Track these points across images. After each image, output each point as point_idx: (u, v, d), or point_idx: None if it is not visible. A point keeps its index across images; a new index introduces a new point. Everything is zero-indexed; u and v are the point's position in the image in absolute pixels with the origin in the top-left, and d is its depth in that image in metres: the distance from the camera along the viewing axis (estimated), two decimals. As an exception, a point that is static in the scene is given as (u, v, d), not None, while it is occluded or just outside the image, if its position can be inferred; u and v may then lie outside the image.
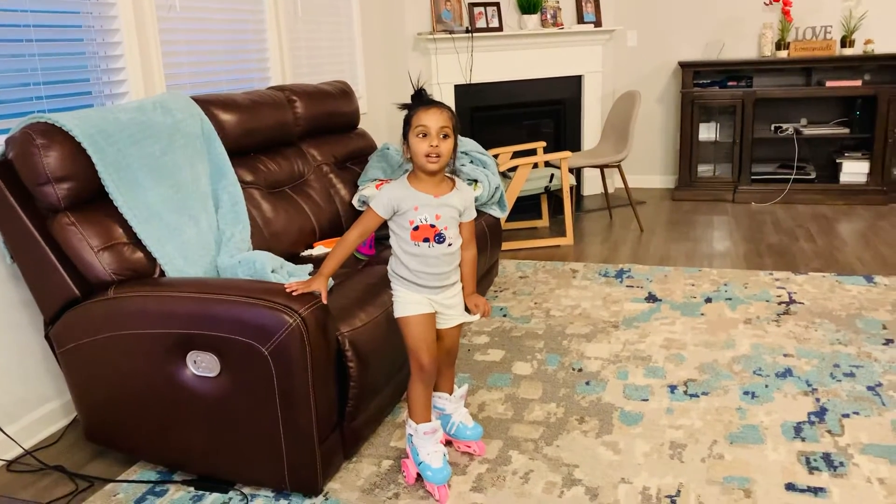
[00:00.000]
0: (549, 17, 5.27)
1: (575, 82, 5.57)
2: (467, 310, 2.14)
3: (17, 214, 2.13)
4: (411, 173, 2.00)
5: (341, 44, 4.48)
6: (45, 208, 2.15)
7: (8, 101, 2.41)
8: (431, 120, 1.91)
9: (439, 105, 1.95)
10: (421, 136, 1.91)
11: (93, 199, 2.20)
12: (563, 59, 5.43)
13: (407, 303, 2.03)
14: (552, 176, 4.54)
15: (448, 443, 2.27)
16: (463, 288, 2.13)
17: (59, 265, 2.14)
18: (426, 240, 1.97)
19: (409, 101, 1.99)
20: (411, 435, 2.10)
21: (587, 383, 2.69)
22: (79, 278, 2.15)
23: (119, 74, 2.82)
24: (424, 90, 1.99)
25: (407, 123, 1.95)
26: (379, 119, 4.89)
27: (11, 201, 2.13)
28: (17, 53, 2.42)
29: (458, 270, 2.09)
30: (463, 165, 3.42)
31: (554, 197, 4.97)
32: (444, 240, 1.98)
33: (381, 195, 1.98)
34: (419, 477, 2.11)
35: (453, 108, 5.15)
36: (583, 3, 5.43)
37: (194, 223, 2.41)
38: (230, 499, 2.10)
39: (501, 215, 3.55)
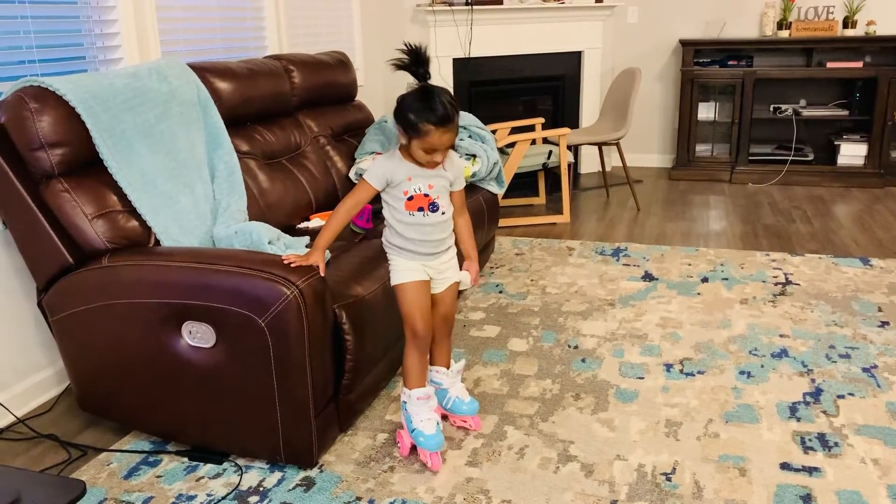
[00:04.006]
0: (549, -9, 5.20)
1: (574, 58, 5.52)
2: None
3: (9, 180, 2.09)
4: (403, 147, 1.96)
5: (339, 14, 4.41)
6: (39, 174, 2.11)
7: (0, 65, 2.36)
8: (443, 141, 1.86)
9: (452, 122, 1.85)
10: (427, 151, 1.88)
11: (87, 166, 2.17)
12: (563, 35, 5.37)
13: (402, 270, 2.04)
14: (550, 153, 4.51)
15: (444, 417, 2.27)
16: (464, 254, 2.15)
17: (53, 232, 2.11)
18: (420, 209, 1.97)
19: (404, 62, 1.90)
20: (405, 402, 2.10)
21: (583, 360, 2.68)
22: (72, 246, 2.12)
23: (114, 40, 2.76)
24: (423, 52, 1.90)
25: (413, 127, 1.84)
26: (376, 91, 4.84)
27: (3, 167, 2.08)
28: (10, 15, 2.37)
29: (452, 236, 2.10)
30: (461, 140, 3.39)
31: (551, 174, 4.94)
32: (438, 208, 1.99)
33: (375, 167, 1.96)
34: (414, 448, 2.11)
35: (451, 83, 5.03)
36: (584, -22, 5.37)
37: (190, 192, 2.38)
38: (224, 470, 2.09)
39: (499, 191, 3.52)
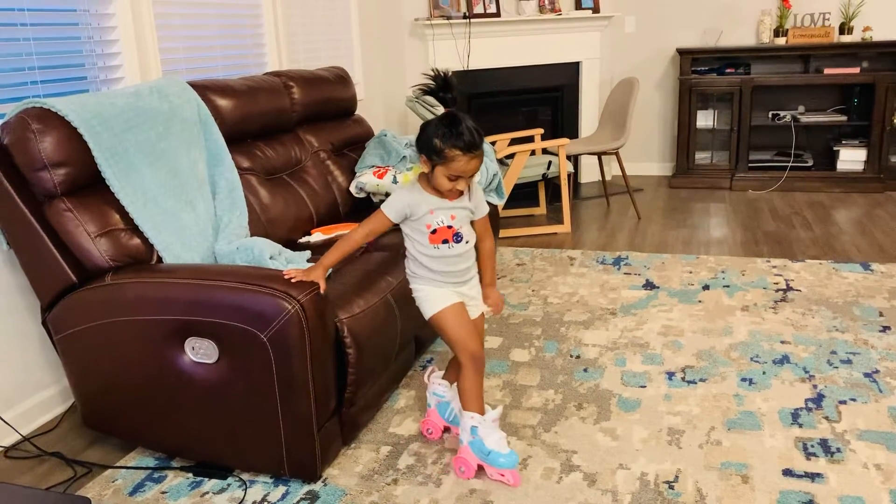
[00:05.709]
0: (546, 2, 5.24)
1: (573, 69, 5.55)
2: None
3: (12, 200, 2.11)
4: (423, 176, 1.96)
5: (338, 29, 4.45)
6: (42, 194, 2.13)
7: (2, 86, 2.39)
8: (469, 168, 1.85)
9: (479, 149, 1.85)
10: (451, 178, 1.87)
11: (89, 185, 2.19)
12: (561, 46, 5.41)
13: (436, 299, 2.01)
14: (550, 163, 4.53)
15: (446, 429, 2.28)
16: (482, 278, 2.12)
17: (56, 251, 2.13)
18: (445, 241, 1.96)
19: (431, 87, 1.92)
20: (475, 427, 2.05)
21: (585, 370, 2.69)
22: (76, 264, 2.14)
23: (115, 59, 2.79)
24: (450, 78, 1.89)
25: (439, 153, 1.84)
26: (376, 105, 4.87)
27: (7, 187, 2.11)
28: (12, 38, 2.40)
29: (475, 263, 2.08)
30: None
31: (551, 184, 4.96)
32: (462, 238, 1.98)
33: (395, 202, 1.94)
34: (480, 469, 2.07)
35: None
36: (581, -11, 5.40)
37: (191, 209, 2.40)
38: (229, 485, 2.10)
39: (499, 202, 3.54)
